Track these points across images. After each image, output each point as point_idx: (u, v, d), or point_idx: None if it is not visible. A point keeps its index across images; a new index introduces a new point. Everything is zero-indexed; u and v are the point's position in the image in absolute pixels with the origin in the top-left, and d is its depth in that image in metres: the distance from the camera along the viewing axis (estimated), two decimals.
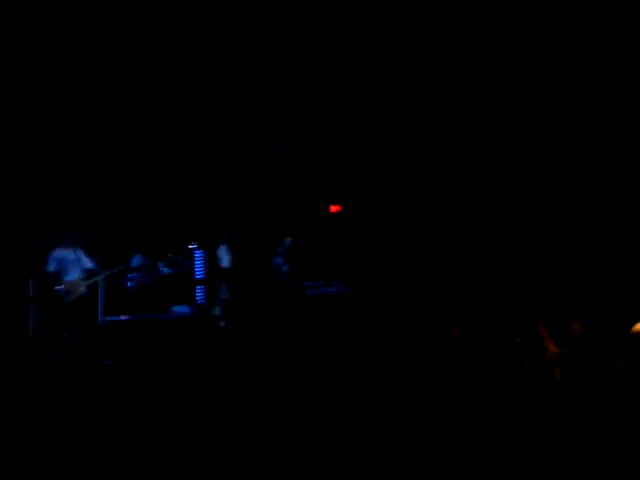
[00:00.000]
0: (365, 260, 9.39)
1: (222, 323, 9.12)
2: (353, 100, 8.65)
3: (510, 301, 7.13)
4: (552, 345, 4.80)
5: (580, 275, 7.02)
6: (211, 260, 9.81)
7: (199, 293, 10.15)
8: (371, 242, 9.45)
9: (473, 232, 8.65)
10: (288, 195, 10.01)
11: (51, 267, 7.78)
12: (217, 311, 9.30)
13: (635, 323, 3.75)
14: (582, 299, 5.99)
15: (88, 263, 8.14)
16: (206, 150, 9.75)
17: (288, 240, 9.69)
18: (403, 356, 6.54)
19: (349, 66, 7.80)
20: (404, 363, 6.21)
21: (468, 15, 6.66)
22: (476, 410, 4.49)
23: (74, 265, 7.99)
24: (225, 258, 9.57)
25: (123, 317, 9.23)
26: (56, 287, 7.82)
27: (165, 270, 10.22)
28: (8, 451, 3.95)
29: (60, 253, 7.87)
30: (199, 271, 10.18)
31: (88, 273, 8.12)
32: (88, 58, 7.29)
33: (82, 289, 8.03)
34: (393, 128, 9.12)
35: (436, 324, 7.71)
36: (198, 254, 10.20)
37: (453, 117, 8.51)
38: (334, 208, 10.20)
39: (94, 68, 7.50)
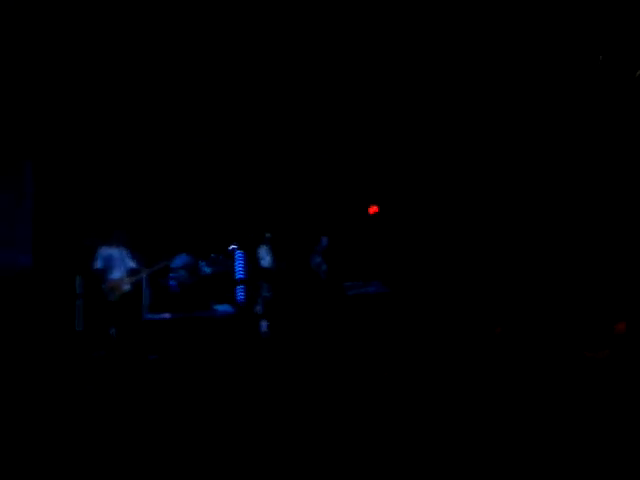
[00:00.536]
0: (404, 260, 9.35)
1: (263, 321, 9.21)
2: (392, 104, 8.68)
3: (551, 300, 7.01)
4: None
5: (623, 275, 6.86)
6: (252, 260, 9.91)
7: (240, 292, 10.28)
8: (410, 242, 9.40)
9: (515, 231, 8.53)
10: (329, 196, 10.05)
11: (97, 265, 7.99)
12: (258, 310, 9.39)
13: None
14: (625, 300, 5.85)
15: (132, 262, 8.37)
16: (248, 152, 9.89)
17: (327, 240, 9.72)
18: (443, 355, 6.49)
19: (389, 70, 7.85)
20: (444, 361, 6.15)
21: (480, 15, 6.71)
22: (518, 408, 4.43)
23: (119, 263, 8.20)
24: (266, 258, 9.66)
25: (166, 315, 9.39)
26: (102, 285, 8.04)
27: (207, 270, 10.39)
28: (60, 441, 4.06)
29: (106, 251, 8.07)
30: (240, 270, 10.31)
31: (132, 271, 8.34)
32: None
33: (126, 287, 8.24)
34: (432, 129, 9.09)
35: (477, 323, 7.64)
36: (239, 254, 10.33)
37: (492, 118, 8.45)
38: (373, 209, 10.20)
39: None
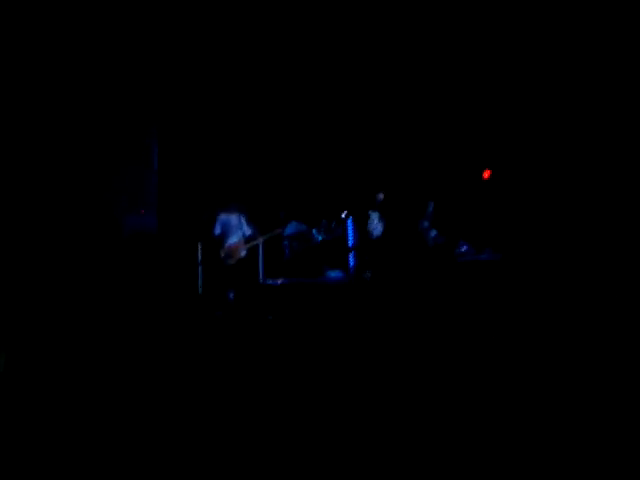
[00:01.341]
0: (517, 227, 9.02)
1: (374, 287, 9.32)
2: None
3: None
4: None
5: None
6: (362, 227, 10.01)
7: (352, 259, 10.44)
8: (523, 209, 9.04)
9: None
10: (441, 159, 9.88)
11: (216, 231, 8.49)
12: (369, 276, 9.51)
13: None
14: None
15: (248, 229, 8.81)
16: (355, 120, 9.97)
17: (430, 204, 9.58)
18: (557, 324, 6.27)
19: None
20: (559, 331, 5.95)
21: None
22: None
23: (236, 230, 8.66)
24: (377, 224, 9.72)
25: (280, 280, 9.76)
26: (220, 250, 8.55)
27: (319, 237, 10.65)
28: (188, 394, 4.41)
29: (224, 218, 8.55)
30: (351, 237, 10.45)
31: (248, 238, 8.79)
32: None
33: (243, 252, 8.70)
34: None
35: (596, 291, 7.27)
36: (350, 221, 10.46)
37: None
38: (487, 174, 9.88)
39: None
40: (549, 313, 6.94)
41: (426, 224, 9.46)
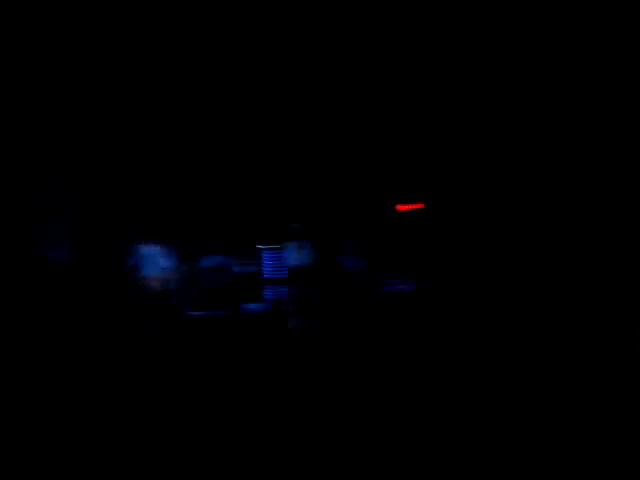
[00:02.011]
0: (437, 258, 9.36)
1: (293, 320, 9.26)
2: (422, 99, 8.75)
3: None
4: None
5: None
6: (281, 259, 9.97)
7: (270, 291, 10.32)
8: (443, 240, 9.42)
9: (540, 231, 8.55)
10: (359, 194, 10.10)
11: (134, 262, 8.13)
12: (288, 308, 9.45)
13: None
14: None
15: (166, 261, 8.52)
16: (275, 152, 9.99)
17: (359, 238, 9.76)
18: (476, 353, 6.51)
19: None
20: (477, 360, 6.17)
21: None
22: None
23: (154, 262, 8.34)
24: (296, 256, 9.72)
25: (198, 313, 9.46)
26: (135, 282, 8.18)
27: (238, 269, 10.46)
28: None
29: (142, 249, 8.21)
30: (270, 270, 10.36)
31: (165, 270, 8.49)
32: None
33: (160, 285, 8.38)
34: (460, 126, 9.13)
35: (516, 322, 7.65)
36: (268, 253, 10.39)
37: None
38: (402, 207, 10.22)
39: None
40: (465, 340, 7.20)
41: (350, 258, 9.59)
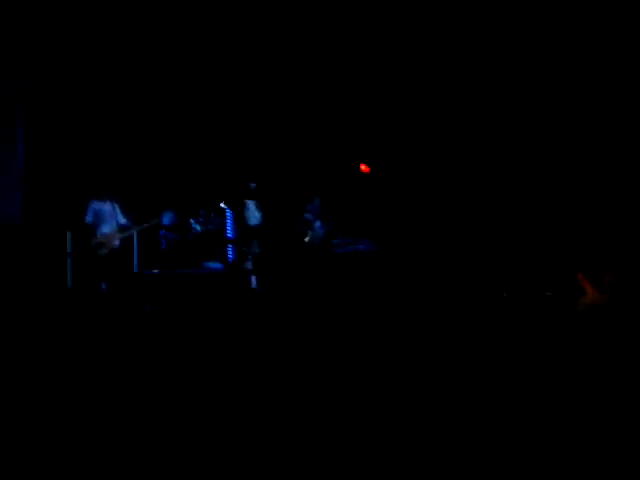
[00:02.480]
0: (393, 218, 9.42)
1: (252, 279, 9.27)
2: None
3: (543, 256, 7.14)
4: (591, 290, 4.82)
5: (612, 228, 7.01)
6: (240, 217, 9.93)
7: (230, 250, 10.31)
8: (399, 201, 9.47)
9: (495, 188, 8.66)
10: (319, 153, 10.06)
11: (88, 219, 8.00)
12: (247, 267, 9.46)
13: None
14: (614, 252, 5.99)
15: (123, 218, 8.38)
16: (237, 106, 9.86)
17: (316, 199, 9.75)
18: (429, 317, 6.58)
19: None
20: (429, 324, 6.25)
21: None
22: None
23: (110, 218, 8.21)
24: (255, 215, 9.70)
25: (155, 271, 9.41)
26: (92, 240, 8.06)
27: (197, 227, 10.40)
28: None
29: (97, 205, 8.07)
30: (230, 229, 10.33)
31: (122, 227, 8.36)
32: None
33: (116, 242, 8.27)
34: (424, 89, 9.13)
35: (464, 282, 7.76)
36: (229, 212, 10.32)
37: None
38: (364, 167, 10.21)
39: None
40: (420, 301, 7.28)
41: (309, 216, 9.59)
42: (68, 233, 8.71)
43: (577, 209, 7.86)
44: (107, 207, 8.19)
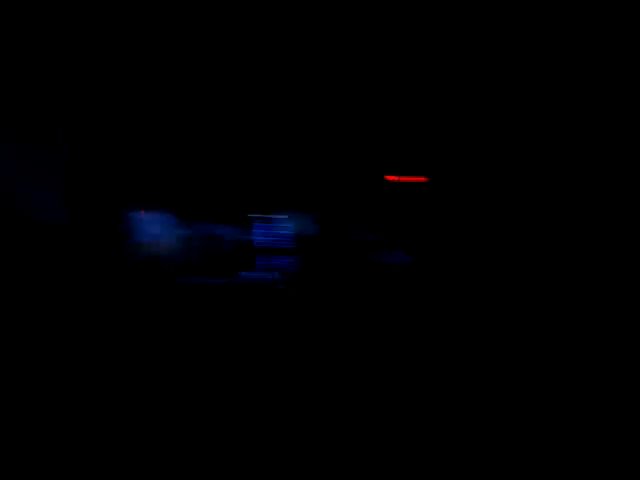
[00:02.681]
0: (429, 230, 9.32)
1: (287, 288, 9.27)
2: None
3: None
4: None
5: None
6: (276, 228, 9.96)
7: (265, 260, 10.33)
8: (436, 211, 9.37)
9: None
10: (351, 164, 10.03)
11: (128, 226, 8.11)
12: (282, 278, 9.46)
13: None
14: None
15: (160, 227, 8.50)
16: (268, 119, 9.91)
17: (353, 208, 9.73)
18: (464, 328, 6.49)
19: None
20: (466, 336, 6.16)
21: None
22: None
23: (149, 226, 8.32)
24: (290, 226, 9.72)
25: (192, 279, 9.48)
26: (129, 247, 8.18)
27: (233, 237, 10.46)
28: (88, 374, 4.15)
29: (136, 214, 8.18)
30: (264, 238, 10.36)
31: (160, 236, 8.48)
32: None
33: (154, 250, 8.38)
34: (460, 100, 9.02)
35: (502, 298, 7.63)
36: (263, 223, 10.37)
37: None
38: (396, 177, 10.14)
39: None
40: (459, 314, 7.19)
41: (344, 228, 9.56)
42: (108, 240, 8.84)
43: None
44: (146, 216, 8.30)
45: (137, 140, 9.35)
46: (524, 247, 8.24)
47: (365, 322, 7.26)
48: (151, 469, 2.73)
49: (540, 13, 7.58)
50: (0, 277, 7.29)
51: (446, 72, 8.73)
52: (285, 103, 9.70)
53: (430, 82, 8.98)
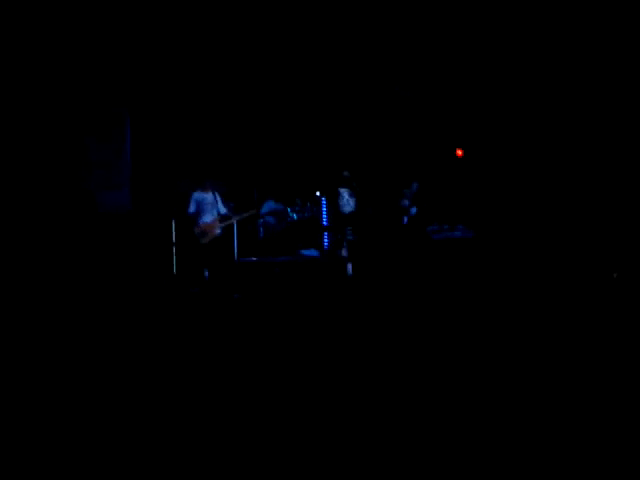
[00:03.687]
0: (490, 205, 9.17)
1: (348, 266, 9.34)
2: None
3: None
4: None
5: None
6: (335, 206, 10.04)
7: (326, 238, 10.47)
8: (496, 187, 9.20)
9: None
10: (414, 138, 9.97)
11: (191, 209, 8.38)
12: (343, 254, 9.54)
13: None
14: None
15: (223, 208, 8.72)
16: (331, 96, 9.97)
17: (414, 184, 9.69)
18: (525, 303, 6.38)
19: None
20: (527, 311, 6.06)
21: None
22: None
23: (211, 208, 8.56)
24: (349, 203, 9.78)
25: (254, 259, 9.72)
26: (195, 228, 8.46)
27: (294, 216, 10.66)
28: (165, 373, 4.37)
29: (199, 196, 8.43)
30: (325, 217, 10.48)
31: (223, 216, 8.70)
32: None
33: (217, 231, 8.62)
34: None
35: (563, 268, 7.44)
36: (324, 200, 10.48)
37: None
38: (460, 152, 10.00)
39: None
40: (520, 290, 7.08)
41: (407, 202, 9.55)
42: (172, 222, 9.22)
43: None
44: (209, 197, 8.53)
45: (197, 126, 9.65)
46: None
47: (425, 298, 7.25)
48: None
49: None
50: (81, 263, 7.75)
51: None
52: (348, 89, 9.78)
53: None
